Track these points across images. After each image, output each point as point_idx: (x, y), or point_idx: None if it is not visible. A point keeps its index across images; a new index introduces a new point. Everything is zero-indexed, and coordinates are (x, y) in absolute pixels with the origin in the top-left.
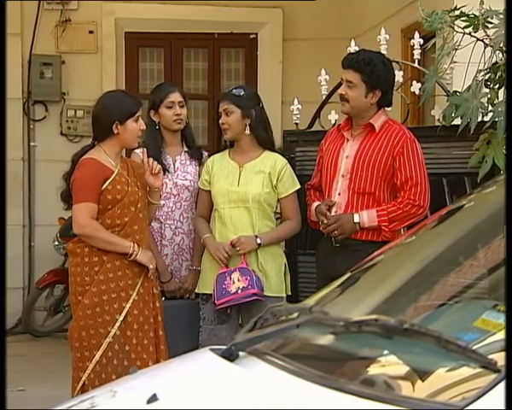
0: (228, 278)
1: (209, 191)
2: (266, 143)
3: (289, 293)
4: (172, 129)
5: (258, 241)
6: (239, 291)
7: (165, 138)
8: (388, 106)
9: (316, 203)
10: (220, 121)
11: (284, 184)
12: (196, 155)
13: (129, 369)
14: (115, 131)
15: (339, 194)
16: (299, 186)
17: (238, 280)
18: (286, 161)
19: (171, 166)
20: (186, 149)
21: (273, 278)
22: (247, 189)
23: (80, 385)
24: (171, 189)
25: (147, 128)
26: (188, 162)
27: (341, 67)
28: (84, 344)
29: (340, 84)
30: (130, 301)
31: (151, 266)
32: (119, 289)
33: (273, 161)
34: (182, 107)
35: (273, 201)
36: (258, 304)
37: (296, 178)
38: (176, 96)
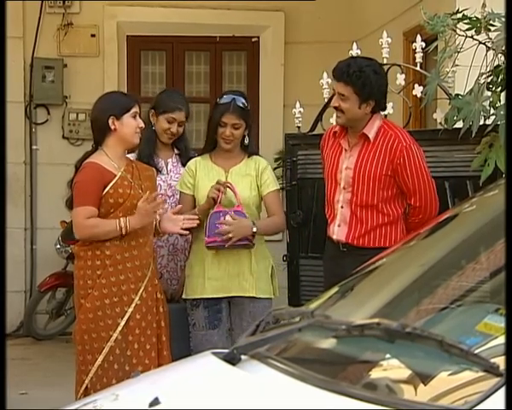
0: (222, 218)
1: (192, 195)
2: (253, 149)
3: (277, 295)
4: (161, 139)
5: (254, 230)
6: None
7: (157, 142)
8: (383, 110)
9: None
10: (227, 133)
11: (266, 181)
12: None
13: (130, 374)
14: (112, 127)
15: (341, 207)
16: (279, 187)
17: None
18: (267, 162)
19: (164, 168)
20: (177, 151)
21: (263, 279)
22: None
23: (83, 389)
24: (165, 190)
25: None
26: (179, 165)
27: (332, 77)
28: (86, 348)
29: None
30: (133, 305)
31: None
32: (121, 294)
33: (256, 163)
34: (180, 126)
35: (260, 202)
36: (248, 309)
37: (276, 180)
38: (180, 116)
